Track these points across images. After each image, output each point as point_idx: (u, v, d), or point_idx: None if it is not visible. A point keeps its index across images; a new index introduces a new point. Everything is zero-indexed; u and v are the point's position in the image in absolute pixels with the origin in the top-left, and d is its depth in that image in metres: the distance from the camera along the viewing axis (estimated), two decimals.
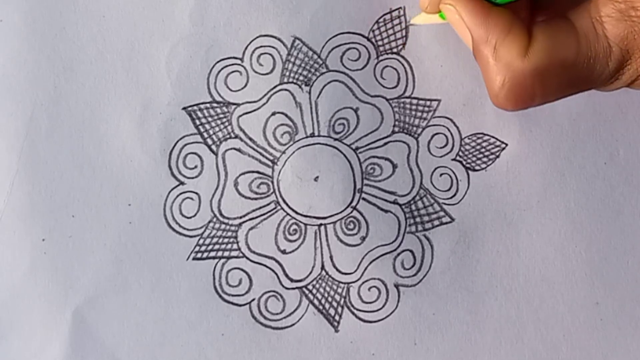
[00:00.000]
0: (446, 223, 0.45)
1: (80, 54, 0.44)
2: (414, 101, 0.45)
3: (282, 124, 0.44)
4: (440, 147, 0.45)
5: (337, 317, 0.44)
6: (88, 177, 0.44)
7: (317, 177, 0.44)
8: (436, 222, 0.45)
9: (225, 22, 0.44)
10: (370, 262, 0.44)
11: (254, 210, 0.44)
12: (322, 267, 0.44)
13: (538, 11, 0.37)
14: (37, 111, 0.44)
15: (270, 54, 0.44)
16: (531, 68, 0.33)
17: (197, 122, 0.44)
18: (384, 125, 0.45)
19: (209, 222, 0.44)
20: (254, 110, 0.44)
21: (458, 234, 0.45)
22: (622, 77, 0.34)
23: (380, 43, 0.45)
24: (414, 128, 0.45)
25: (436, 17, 0.39)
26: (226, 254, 0.44)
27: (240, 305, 0.44)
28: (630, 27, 0.32)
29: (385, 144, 0.45)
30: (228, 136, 0.44)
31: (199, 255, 0.44)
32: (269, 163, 0.44)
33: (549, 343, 0.45)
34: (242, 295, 0.44)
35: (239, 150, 0.44)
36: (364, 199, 0.45)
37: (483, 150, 0.45)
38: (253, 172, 0.44)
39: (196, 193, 0.44)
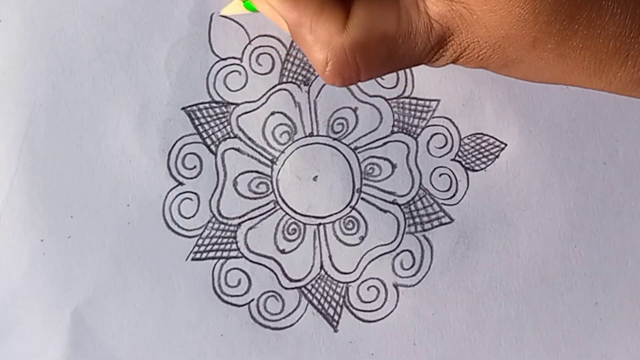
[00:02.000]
0: (446, 223, 0.45)
1: (79, 54, 0.44)
2: (413, 101, 0.45)
3: (281, 124, 0.44)
4: (440, 148, 0.45)
5: (336, 317, 0.44)
6: (87, 177, 0.44)
7: (316, 176, 0.44)
8: (435, 223, 0.45)
9: (224, 22, 0.44)
10: (369, 262, 0.44)
11: (253, 210, 0.44)
12: (321, 267, 0.44)
13: None
14: (36, 111, 0.44)
15: (269, 54, 0.44)
16: (350, 43, 0.33)
17: (196, 122, 0.44)
18: (383, 125, 0.45)
19: (208, 222, 0.44)
20: (253, 110, 0.44)
21: (457, 234, 0.45)
22: (445, 54, 0.34)
23: None
24: (413, 128, 0.45)
25: (242, 7, 0.39)
26: (225, 254, 0.44)
27: (239, 306, 0.44)
28: (449, 6, 0.32)
29: (385, 144, 0.45)
30: (227, 136, 0.44)
31: (198, 255, 0.44)
32: (268, 163, 0.44)
33: (549, 343, 0.45)
34: (241, 295, 0.44)
35: (238, 150, 0.44)
36: (363, 198, 0.45)
37: (482, 150, 0.45)
38: (252, 171, 0.44)
39: (195, 193, 0.44)
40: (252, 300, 0.44)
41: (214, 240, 0.44)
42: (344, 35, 0.33)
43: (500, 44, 0.33)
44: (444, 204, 0.45)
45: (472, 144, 0.45)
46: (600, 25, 0.32)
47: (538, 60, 0.33)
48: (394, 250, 0.44)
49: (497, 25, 0.32)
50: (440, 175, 0.45)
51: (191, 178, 0.44)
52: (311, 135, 0.44)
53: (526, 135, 0.45)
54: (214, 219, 0.44)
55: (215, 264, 0.44)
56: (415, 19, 0.33)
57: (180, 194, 0.44)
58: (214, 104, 0.44)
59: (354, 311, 0.44)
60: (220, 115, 0.44)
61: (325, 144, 0.44)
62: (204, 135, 0.44)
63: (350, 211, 0.44)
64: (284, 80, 0.44)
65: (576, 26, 0.32)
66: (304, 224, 0.44)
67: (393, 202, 0.45)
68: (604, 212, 0.45)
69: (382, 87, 0.45)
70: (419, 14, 0.33)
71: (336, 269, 0.44)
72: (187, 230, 0.44)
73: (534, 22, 0.31)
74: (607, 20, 0.32)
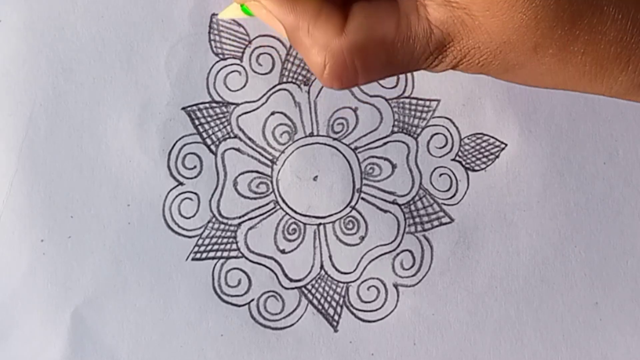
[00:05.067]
0: (446, 223, 0.45)
1: (79, 55, 0.44)
2: (414, 101, 0.45)
3: (281, 124, 0.44)
4: (440, 148, 0.45)
5: (336, 317, 0.44)
6: (87, 177, 0.44)
7: (316, 176, 0.44)
8: (436, 223, 0.45)
9: (224, 22, 0.44)
10: (370, 262, 0.44)
11: (253, 210, 0.44)
12: (321, 267, 0.44)
13: None
14: (36, 111, 0.44)
15: (269, 54, 0.44)
16: (349, 45, 0.33)
17: (197, 122, 0.44)
18: (383, 125, 0.45)
19: (208, 222, 0.44)
20: (253, 110, 0.44)
21: (458, 234, 0.45)
22: (445, 60, 0.34)
23: None
24: (414, 128, 0.45)
25: (240, 11, 0.39)
26: (225, 254, 0.44)
27: (239, 306, 0.44)
28: (450, 12, 0.32)
29: (385, 144, 0.45)
30: (227, 136, 0.44)
31: (198, 255, 0.44)
32: (268, 163, 0.44)
33: (549, 343, 0.45)
34: (242, 295, 0.44)
35: (238, 150, 0.44)
36: (363, 198, 0.45)
37: (482, 150, 0.45)
38: (252, 171, 0.44)
39: (195, 193, 0.44)
40: (252, 300, 0.44)
41: (214, 240, 0.44)
42: (343, 38, 0.33)
43: (502, 50, 0.33)
44: (444, 204, 0.45)
45: (472, 144, 0.45)
46: (602, 30, 0.32)
47: (539, 66, 0.33)
48: (394, 250, 0.44)
49: (498, 31, 0.32)
50: (441, 175, 0.45)
51: (191, 178, 0.44)
52: (311, 135, 0.44)
53: (526, 135, 0.45)
54: (214, 219, 0.44)
55: (215, 264, 0.44)
56: (414, 24, 0.33)
57: (180, 194, 0.44)
58: (214, 104, 0.44)
59: (354, 311, 0.44)
60: (221, 115, 0.44)
61: (325, 144, 0.44)
62: (204, 135, 0.44)
63: (351, 211, 0.44)
64: (284, 80, 0.44)
65: (577, 31, 0.32)
66: (304, 224, 0.44)
67: (393, 202, 0.45)
68: (604, 212, 0.45)
69: (383, 87, 0.45)
70: (418, 20, 0.33)
71: (336, 269, 0.44)
72: (187, 230, 0.44)
73: (535, 28, 0.31)
74: (608, 25, 0.32)
